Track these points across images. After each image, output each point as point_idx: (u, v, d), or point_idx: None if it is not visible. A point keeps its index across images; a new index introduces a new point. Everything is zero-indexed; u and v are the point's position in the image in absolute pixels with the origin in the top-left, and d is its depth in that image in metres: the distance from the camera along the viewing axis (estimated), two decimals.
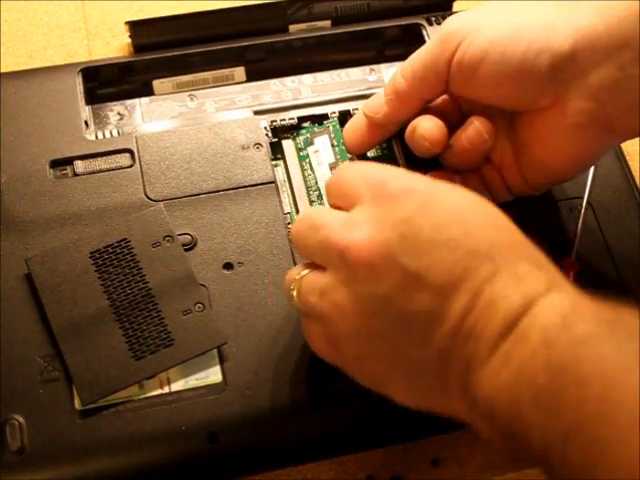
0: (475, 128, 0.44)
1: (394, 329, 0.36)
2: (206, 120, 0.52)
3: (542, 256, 0.36)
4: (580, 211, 0.48)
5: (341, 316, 0.37)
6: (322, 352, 0.40)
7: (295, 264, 0.45)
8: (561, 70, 0.41)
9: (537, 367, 0.32)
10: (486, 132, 0.44)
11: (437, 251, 0.35)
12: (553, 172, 0.45)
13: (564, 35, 0.41)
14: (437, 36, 0.44)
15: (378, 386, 0.38)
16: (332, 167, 0.50)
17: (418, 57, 0.45)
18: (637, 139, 0.55)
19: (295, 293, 0.39)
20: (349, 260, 0.36)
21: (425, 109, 0.46)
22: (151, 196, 0.47)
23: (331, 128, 0.51)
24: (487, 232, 0.36)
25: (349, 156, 0.50)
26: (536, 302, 0.34)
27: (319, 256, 0.38)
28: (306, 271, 0.39)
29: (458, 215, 0.36)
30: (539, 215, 0.48)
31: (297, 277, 0.39)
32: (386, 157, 0.50)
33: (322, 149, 0.51)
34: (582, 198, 0.49)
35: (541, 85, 0.42)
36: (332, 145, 0.51)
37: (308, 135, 0.51)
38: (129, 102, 0.53)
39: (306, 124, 0.51)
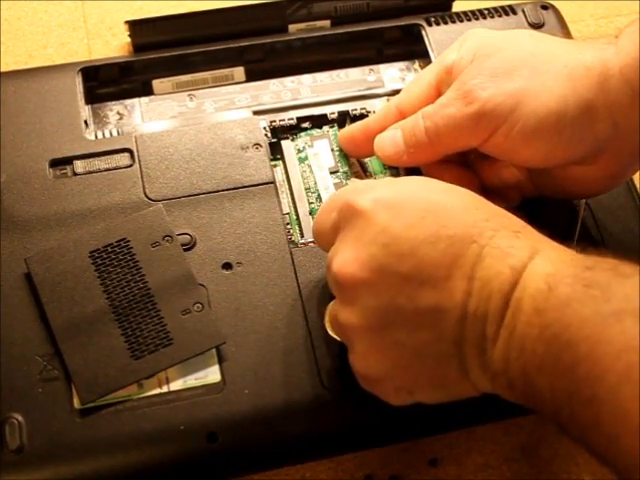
0: (511, 172, 0.46)
1: (408, 334, 0.37)
2: (205, 120, 0.52)
3: (518, 221, 0.37)
4: (579, 211, 0.48)
5: (356, 337, 0.38)
6: (361, 378, 0.41)
7: (294, 265, 0.46)
8: (604, 146, 0.42)
9: (534, 336, 0.34)
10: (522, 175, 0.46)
11: (420, 249, 0.36)
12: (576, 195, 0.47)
13: (603, 117, 0.41)
14: (469, 110, 0.42)
15: (408, 397, 0.39)
16: (332, 171, 0.50)
17: (446, 120, 0.43)
18: None
19: (327, 324, 0.42)
20: (343, 283, 0.38)
21: None
22: (150, 196, 0.47)
23: (331, 133, 0.51)
24: (461, 216, 0.37)
25: (351, 161, 0.50)
26: (524, 270, 0.35)
27: (330, 281, 0.40)
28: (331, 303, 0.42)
29: (428, 208, 0.37)
30: (538, 215, 0.48)
31: (329, 307, 0.42)
32: None
33: (322, 152, 0.51)
34: (580, 200, 0.49)
35: (581, 156, 0.42)
36: (332, 149, 0.51)
37: (308, 138, 0.51)
38: (129, 102, 0.53)
39: (305, 124, 0.51)
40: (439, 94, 0.45)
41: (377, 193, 0.39)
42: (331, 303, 0.41)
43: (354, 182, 0.46)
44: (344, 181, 0.50)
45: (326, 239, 0.41)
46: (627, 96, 0.40)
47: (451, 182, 0.40)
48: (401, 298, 0.36)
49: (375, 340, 0.38)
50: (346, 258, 0.38)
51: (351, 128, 0.49)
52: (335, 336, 0.41)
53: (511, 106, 0.41)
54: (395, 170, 0.50)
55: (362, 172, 0.50)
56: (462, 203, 0.38)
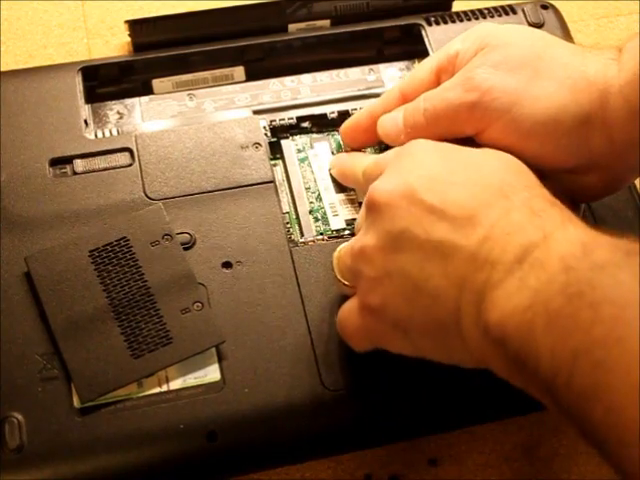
0: None
1: (414, 262, 0.37)
2: (205, 119, 0.52)
3: (556, 199, 0.37)
4: (578, 212, 0.48)
5: (366, 261, 0.39)
6: (354, 324, 0.41)
7: (294, 264, 0.46)
8: (598, 159, 0.42)
9: (553, 292, 0.33)
10: None
11: (453, 188, 0.37)
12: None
13: (600, 131, 0.41)
14: (468, 97, 0.42)
15: (405, 339, 0.39)
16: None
17: (444, 104, 0.43)
18: None
19: (336, 268, 0.42)
20: (372, 204, 0.39)
21: None
22: (150, 195, 0.47)
23: (331, 138, 0.51)
24: (501, 174, 0.38)
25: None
26: (552, 234, 0.35)
27: (360, 220, 0.41)
28: (343, 244, 0.42)
29: (474, 161, 0.39)
30: None
31: (336, 253, 0.42)
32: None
33: (322, 154, 0.51)
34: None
35: (574, 165, 0.42)
36: (332, 152, 0.51)
37: (308, 139, 0.51)
38: (129, 101, 0.53)
39: (305, 124, 0.51)
40: (439, 82, 0.45)
41: (433, 142, 0.41)
42: (341, 246, 0.42)
43: None
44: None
45: (373, 170, 0.43)
46: (626, 113, 0.40)
47: None
48: (417, 227, 0.37)
49: (383, 263, 0.38)
50: (385, 181, 0.39)
51: (355, 116, 0.49)
52: (342, 280, 0.42)
53: (508, 104, 0.41)
54: None
55: None
56: (508, 165, 0.39)
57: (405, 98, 0.46)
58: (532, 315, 0.33)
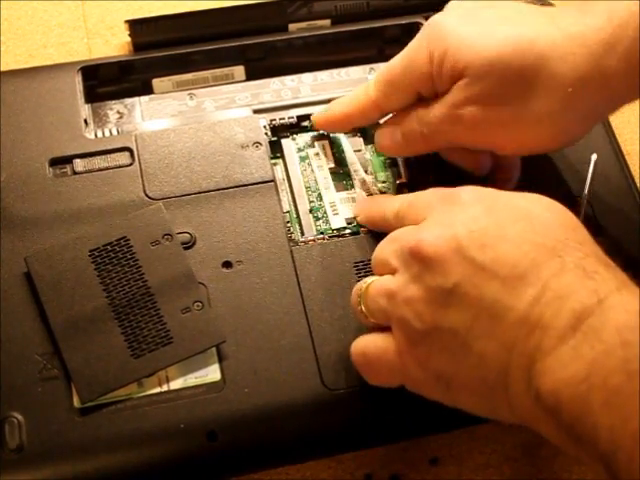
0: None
1: (464, 320, 0.36)
2: (205, 119, 0.52)
3: (608, 258, 0.36)
4: (580, 210, 0.48)
5: (413, 312, 0.38)
6: (388, 364, 0.40)
7: (294, 263, 0.46)
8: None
9: (612, 367, 0.32)
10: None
11: (503, 245, 0.36)
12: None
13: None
14: (462, 132, 0.44)
15: (446, 391, 0.38)
16: (332, 171, 0.50)
17: (442, 135, 0.45)
18: (637, 139, 0.56)
19: (362, 303, 0.40)
20: (419, 255, 0.38)
21: None
22: (150, 194, 0.47)
23: (331, 136, 0.51)
24: (553, 230, 0.37)
25: (351, 160, 0.50)
26: (607, 299, 0.33)
27: (392, 260, 0.40)
28: (372, 278, 0.41)
29: (524, 214, 0.37)
30: None
31: (364, 285, 0.41)
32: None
33: (322, 152, 0.51)
34: (582, 197, 0.49)
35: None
36: (332, 151, 0.51)
37: (309, 138, 0.51)
38: (129, 101, 0.53)
39: (306, 123, 0.51)
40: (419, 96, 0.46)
41: (481, 190, 0.39)
42: (371, 279, 0.41)
43: None
44: (344, 182, 0.50)
45: (412, 213, 0.41)
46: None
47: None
48: (469, 285, 0.36)
49: (432, 317, 0.37)
50: (432, 233, 0.38)
51: (332, 114, 0.49)
52: (369, 317, 0.40)
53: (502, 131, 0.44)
54: (395, 166, 0.50)
55: (362, 171, 0.50)
56: (559, 220, 0.38)
57: (382, 112, 0.47)
58: (589, 388, 0.32)
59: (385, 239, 0.41)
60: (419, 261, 0.38)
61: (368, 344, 0.41)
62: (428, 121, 0.45)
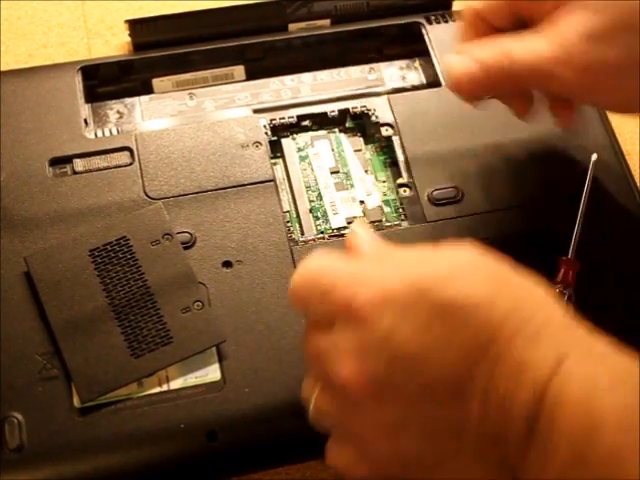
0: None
1: (424, 446, 0.33)
2: (205, 118, 0.52)
3: (543, 309, 0.32)
4: (580, 210, 0.48)
5: (367, 444, 0.34)
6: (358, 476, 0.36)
7: (294, 263, 0.46)
8: None
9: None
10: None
11: (429, 362, 0.32)
12: None
13: None
14: (565, 73, 0.40)
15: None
16: (332, 171, 0.50)
17: (530, 67, 0.40)
18: (637, 139, 0.56)
19: (310, 414, 0.37)
20: (347, 396, 0.34)
21: None
22: (150, 194, 0.47)
23: (332, 137, 0.51)
24: (477, 312, 0.32)
25: (350, 160, 0.50)
26: (547, 391, 0.30)
27: (323, 382, 0.36)
28: (316, 391, 0.36)
29: (439, 303, 0.32)
30: (539, 214, 0.48)
31: (309, 398, 0.37)
32: (385, 153, 0.51)
33: (322, 152, 0.51)
34: (582, 197, 0.49)
35: None
36: (332, 150, 0.51)
37: (309, 137, 0.51)
38: (129, 100, 0.53)
39: (305, 122, 0.51)
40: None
41: (381, 286, 0.33)
42: (313, 391, 0.36)
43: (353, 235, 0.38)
44: (344, 181, 0.50)
45: (312, 317, 0.36)
46: None
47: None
48: (412, 415, 0.32)
49: (391, 450, 0.34)
50: (348, 370, 0.33)
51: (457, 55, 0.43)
52: (321, 429, 0.37)
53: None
54: (395, 165, 0.50)
55: (362, 171, 0.50)
56: (480, 291, 0.32)
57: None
58: None
59: (306, 347, 0.37)
60: (351, 401, 0.34)
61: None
62: (522, 57, 0.40)
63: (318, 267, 0.35)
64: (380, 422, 0.33)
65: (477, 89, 0.42)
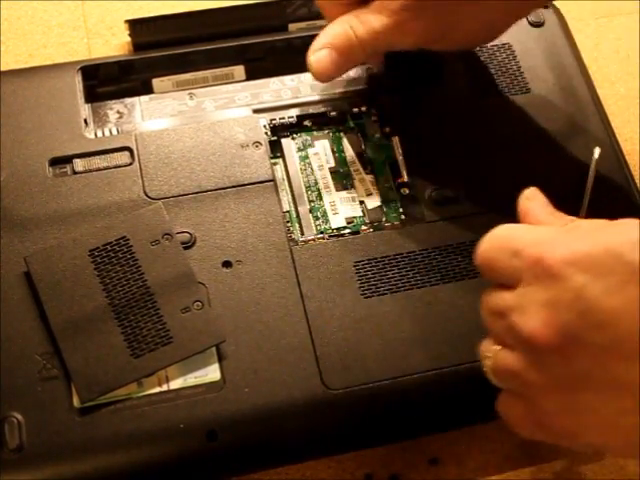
0: None
1: (603, 402, 0.34)
2: (205, 118, 0.52)
3: None
4: (579, 210, 0.48)
5: (542, 396, 0.35)
6: (527, 432, 0.37)
7: (294, 263, 0.46)
8: None
9: None
10: None
11: (621, 320, 0.32)
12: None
13: None
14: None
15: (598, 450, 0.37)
16: (332, 171, 0.50)
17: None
18: (637, 139, 0.56)
19: (490, 370, 0.38)
20: (534, 349, 0.35)
21: None
22: (150, 194, 0.47)
23: (332, 137, 0.51)
24: None
25: (350, 160, 0.50)
26: None
27: (506, 338, 0.36)
28: (497, 348, 0.37)
29: (632, 269, 0.32)
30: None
31: (489, 355, 0.37)
32: (385, 153, 0.51)
33: (322, 152, 0.51)
34: (582, 197, 0.49)
35: None
36: (332, 150, 0.51)
37: (308, 137, 0.51)
38: (129, 100, 0.53)
39: (306, 122, 0.51)
40: None
41: (572, 248, 0.34)
42: (493, 348, 0.37)
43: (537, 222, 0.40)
44: (344, 181, 0.50)
45: (498, 277, 0.37)
46: None
47: None
48: (598, 369, 0.33)
49: (566, 403, 0.35)
50: (538, 323, 0.34)
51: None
52: (499, 384, 0.38)
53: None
54: (395, 165, 0.50)
55: (362, 171, 0.50)
56: None
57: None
58: None
59: (486, 307, 0.38)
60: (535, 353, 0.35)
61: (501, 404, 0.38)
62: (363, 35, 0.44)
63: (508, 232, 0.38)
64: (564, 374, 0.34)
65: (337, 74, 0.48)
